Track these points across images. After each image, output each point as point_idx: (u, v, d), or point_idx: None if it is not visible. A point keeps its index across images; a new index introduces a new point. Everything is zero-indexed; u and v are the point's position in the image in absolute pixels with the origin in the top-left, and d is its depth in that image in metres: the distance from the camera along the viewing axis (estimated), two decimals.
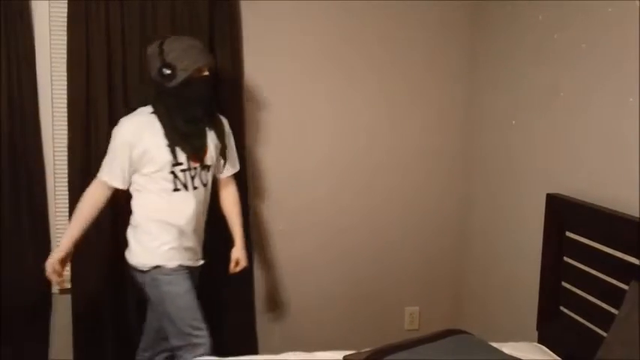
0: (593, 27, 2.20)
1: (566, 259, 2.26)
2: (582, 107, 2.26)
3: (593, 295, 2.11)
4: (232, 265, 2.52)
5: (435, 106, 3.10)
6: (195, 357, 2.18)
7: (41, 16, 2.56)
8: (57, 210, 2.68)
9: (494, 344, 2.12)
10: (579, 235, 2.19)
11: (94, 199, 2.27)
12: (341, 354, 2.09)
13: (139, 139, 2.21)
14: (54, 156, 2.66)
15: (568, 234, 2.25)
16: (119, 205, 2.45)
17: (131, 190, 2.30)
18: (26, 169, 2.57)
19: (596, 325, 2.08)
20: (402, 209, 3.14)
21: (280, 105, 2.86)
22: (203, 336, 2.27)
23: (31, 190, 2.58)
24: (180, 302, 2.28)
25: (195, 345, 2.25)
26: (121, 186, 2.26)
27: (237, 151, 2.58)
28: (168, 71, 2.14)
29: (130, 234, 2.34)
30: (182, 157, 2.25)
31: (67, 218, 2.54)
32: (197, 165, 2.30)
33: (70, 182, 2.59)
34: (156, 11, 2.57)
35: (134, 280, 2.39)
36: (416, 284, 3.22)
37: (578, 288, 2.19)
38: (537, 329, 2.43)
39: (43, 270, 2.23)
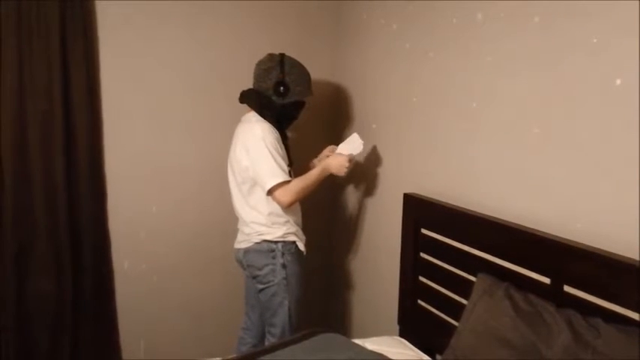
0: (439, 37, 2.34)
1: (422, 254, 2.39)
2: (433, 112, 2.41)
3: (446, 288, 2.24)
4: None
5: None
6: None
7: None
8: None
9: (358, 341, 2.19)
10: (433, 231, 2.32)
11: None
12: None
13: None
14: None
15: (423, 231, 2.37)
16: None
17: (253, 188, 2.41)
18: None
19: (449, 316, 2.21)
20: None
21: (138, 106, 2.75)
22: None
23: None
24: None
25: None
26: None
27: (95, 160, 2.63)
28: (282, 89, 2.39)
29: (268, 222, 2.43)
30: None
31: None
32: None
33: None
34: None
35: None
36: None
37: (434, 282, 2.32)
38: (398, 323, 2.54)
39: None
